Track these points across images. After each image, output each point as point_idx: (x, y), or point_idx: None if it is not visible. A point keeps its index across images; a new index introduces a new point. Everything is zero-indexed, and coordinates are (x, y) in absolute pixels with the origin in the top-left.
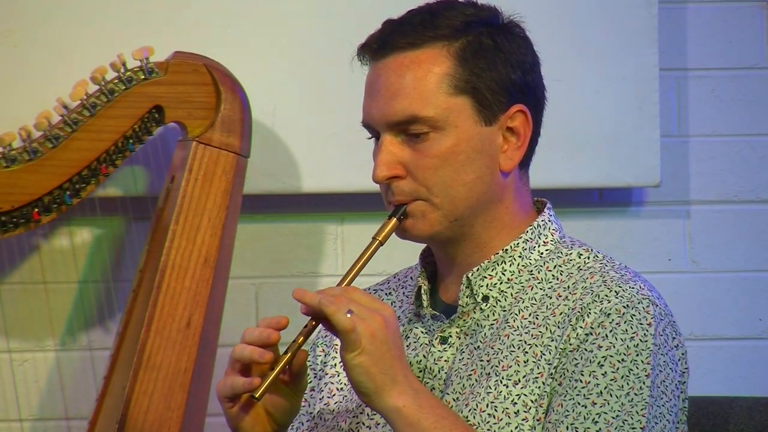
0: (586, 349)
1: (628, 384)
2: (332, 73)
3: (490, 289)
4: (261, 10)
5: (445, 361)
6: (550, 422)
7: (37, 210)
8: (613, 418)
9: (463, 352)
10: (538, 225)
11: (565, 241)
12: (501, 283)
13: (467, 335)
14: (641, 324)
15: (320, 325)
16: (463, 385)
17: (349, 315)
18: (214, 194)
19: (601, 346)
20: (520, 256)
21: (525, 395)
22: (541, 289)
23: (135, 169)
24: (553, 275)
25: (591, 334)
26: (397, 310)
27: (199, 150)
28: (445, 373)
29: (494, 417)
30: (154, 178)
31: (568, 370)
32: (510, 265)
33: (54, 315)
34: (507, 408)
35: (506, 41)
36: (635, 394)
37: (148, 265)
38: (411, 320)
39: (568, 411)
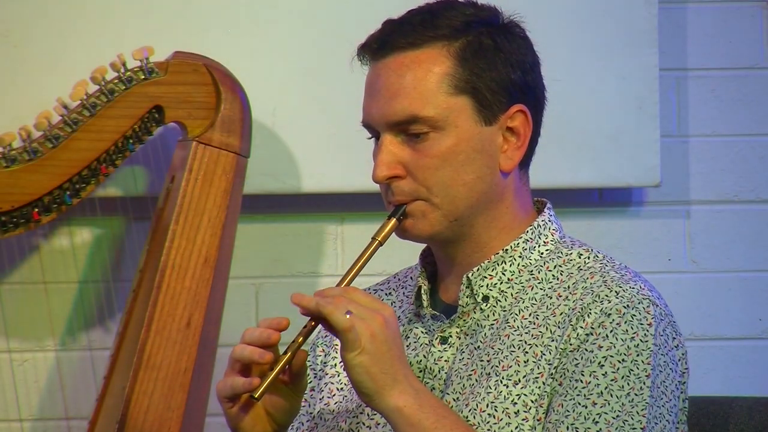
0: (586, 349)
1: (628, 384)
2: (332, 73)
3: (490, 289)
4: (261, 10)
5: (445, 361)
6: (550, 422)
7: (37, 210)
8: (614, 418)
9: (463, 352)
10: (538, 225)
11: (565, 241)
12: (501, 283)
13: (467, 335)
14: (641, 324)
15: (320, 326)
16: (463, 385)
17: (348, 315)
18: (214, 194)
19: (602, 346)
20: (520, 256)
21: (525, 395)
22: (541, 289)
23: (135, 169)
24: (553, 275)
25: (591, 334)
26: (397, 310)
27: (199, 150)
28: (445, 373)
29: (494, 417)
30: (154, 178)
31: (568, 370)
32: (510, 265)
33: (54, 315)
34: (507, 408)
35: (506, 41)
36: (635, 395)
37: (148, 265)
38: (411, 320)
39: (568, 411)
